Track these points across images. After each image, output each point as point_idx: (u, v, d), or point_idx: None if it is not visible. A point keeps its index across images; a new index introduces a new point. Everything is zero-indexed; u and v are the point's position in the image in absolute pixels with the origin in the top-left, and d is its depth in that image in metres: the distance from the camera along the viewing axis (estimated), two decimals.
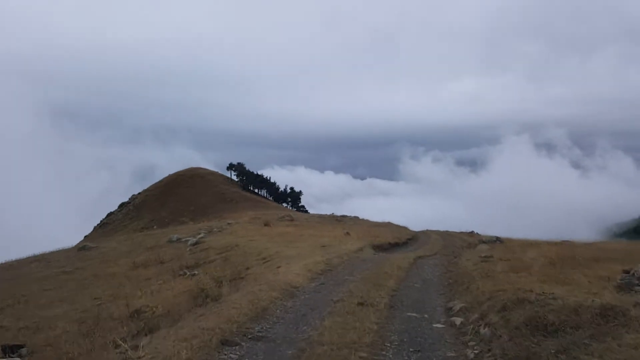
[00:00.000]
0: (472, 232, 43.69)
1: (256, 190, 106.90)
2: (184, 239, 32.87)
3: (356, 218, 46.33)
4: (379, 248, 23.71)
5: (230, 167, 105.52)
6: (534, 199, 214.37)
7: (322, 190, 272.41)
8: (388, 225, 43.09)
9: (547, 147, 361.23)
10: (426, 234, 43.31)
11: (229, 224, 37.95)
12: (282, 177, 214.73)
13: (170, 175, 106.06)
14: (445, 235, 42.49)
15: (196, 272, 22.33)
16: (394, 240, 28.62)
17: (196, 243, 30.35)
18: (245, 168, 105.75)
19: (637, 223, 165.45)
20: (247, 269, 18.85)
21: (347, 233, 30.61)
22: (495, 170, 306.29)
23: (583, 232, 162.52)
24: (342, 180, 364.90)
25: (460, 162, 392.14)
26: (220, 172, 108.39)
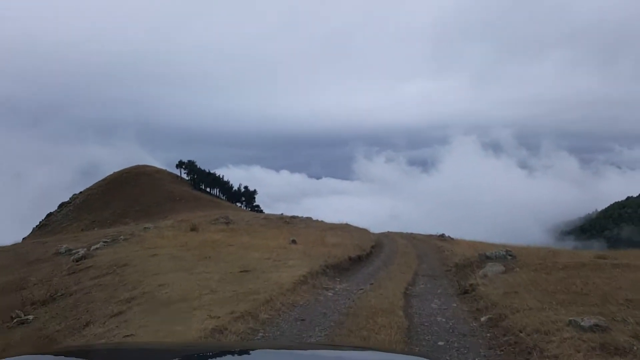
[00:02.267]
0: (443, 235, 34.98)
1: (208, 190, 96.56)
2: (74, 251, 23.04)
3: (309, 219, 37.02)
4: (335, 269, 14.47)
5: (180, 164, 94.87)
6: (483, 198, 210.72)
7: (278, 190, 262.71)
8: (346, 227, 33.94)
9: (494, 147, 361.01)
10: (389, 237, 34.39)
11: (145, 228, 28.17)
12: (237, 176, 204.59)
13: (114, 173, 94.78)
14: (412, 240, 33.66)
15: (31, 316, 12.83)
16: (356, 252, 19.47)
17: (81, 258, 20.53)
18: (196, 166, 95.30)
19: (583, 222, 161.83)
20: (86, 325, 9.48)
21: (293, 241, 21.38)
22: (445, 170, 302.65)
23: (531, 231, 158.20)
24: (298, 180, 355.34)
25: (412, 162, 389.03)
26: (169, 170, 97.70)
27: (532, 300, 7.98)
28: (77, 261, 20.33)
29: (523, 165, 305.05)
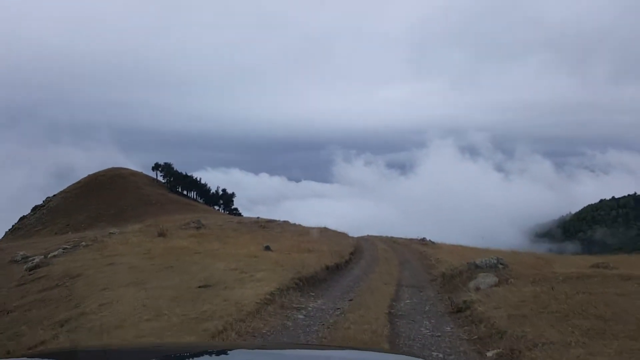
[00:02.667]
0: (424, 239, 33.50)
1: (185, 192, 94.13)
2: (30, 259, 21.01)
3: (286, 223, 35.23)
4: (310, 281, 12.74)
5: (156, 167, 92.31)
6: (460, 201, 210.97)
7: (257, 193, 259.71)
8: (324, 231, 32.26)
9: (471, 151, 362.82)
10: (369, 241, 32.83)
11: (110, 233, 26.17)
12: (216, 179, 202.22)
13: (89, 176, 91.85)
14: (393, 244, 32.13)
15: None
16: (334, 259, 17.77)
17: (35, 267, 18.54)
18: (172, 168, 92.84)
19: (557, 224, 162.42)
20: (4, 356, 7.69)
21: (267, 248, 19.67)
22: (423, 173, 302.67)
23: (506, 234, 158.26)
24: (277, 183, 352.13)
25: (390, 165, 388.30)
26: (145, 172, 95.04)
27: (548, 327, 6.37)
28: (30, 270, 18.35)
29: (499, 168, 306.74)
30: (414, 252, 25.20)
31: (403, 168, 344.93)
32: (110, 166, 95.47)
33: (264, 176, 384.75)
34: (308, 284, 12.05)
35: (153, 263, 15.78)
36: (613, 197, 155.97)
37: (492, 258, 13.80)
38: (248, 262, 14.50)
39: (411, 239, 34.22)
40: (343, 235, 30.90)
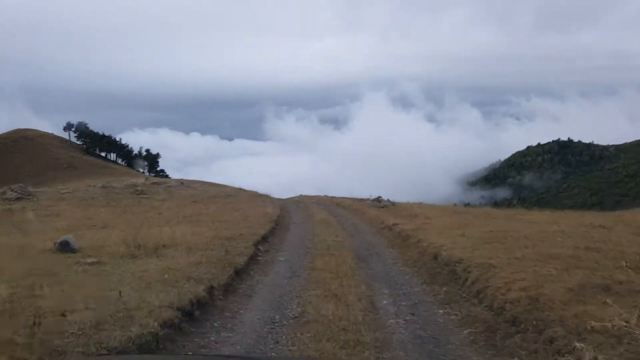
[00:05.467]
0: (379, 198, 22.54)
1: (104, 155, 79.62)
2: None
3: (180, 186, 23.35)
4: None
5: (68, 127, 76.95)
6: (394, 153, 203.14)
7: (189, 153, 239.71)
8: (235, 195, 20.73)
9: (403, 102, 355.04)
10: (302, 206, 21.66)
11: None
12: (144, 140, 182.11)
13: None
14: (336, 209, 21.05)
15: None
16: (199, 282, 6.28)
17: None
18: (88, 128, 77.81)
19: (487, 172, 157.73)
20: None
21: (63, 245, 8.13)
22: (357, 127, 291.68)
23: (439, 184, 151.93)
24: (210, 142, 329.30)
25: (323, 120, 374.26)
26: (56, 134, 79.53)
27: None
28: None
29: (430, 119, 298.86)
30: (374, 226, 14.16)
31: (337, 123, 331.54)
32: (15, 127, 79.33)
33: (196, 135, 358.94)
34: None
35: None
36: (539, 144, 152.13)
37: None
38: None
39: (360, 200, 23.21)
40: (263, 200, 19.47)
